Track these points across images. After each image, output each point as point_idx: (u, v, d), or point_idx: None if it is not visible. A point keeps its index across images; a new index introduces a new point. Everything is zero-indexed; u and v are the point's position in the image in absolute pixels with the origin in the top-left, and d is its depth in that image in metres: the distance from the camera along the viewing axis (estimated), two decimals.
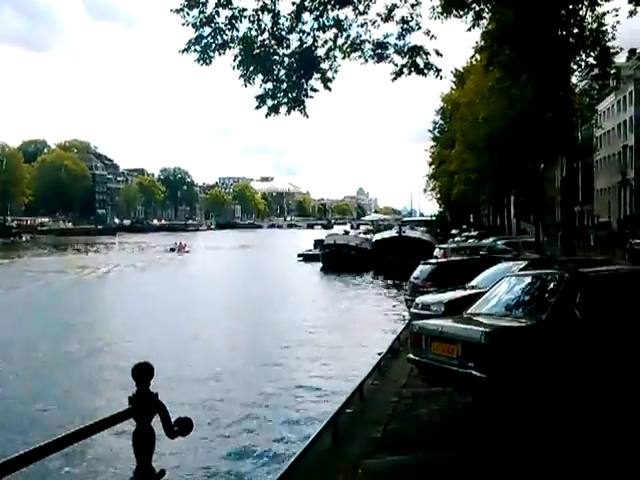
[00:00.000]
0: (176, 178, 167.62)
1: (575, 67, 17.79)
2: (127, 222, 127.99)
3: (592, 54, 17.09)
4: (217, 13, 8.95)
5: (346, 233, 58.71)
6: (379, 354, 11.18)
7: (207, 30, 9.03)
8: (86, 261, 48.91)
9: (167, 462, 7.04)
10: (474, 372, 5.93)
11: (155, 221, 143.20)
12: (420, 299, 12.87)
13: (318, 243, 48.20)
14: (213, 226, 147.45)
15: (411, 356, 7.24)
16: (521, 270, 10.32)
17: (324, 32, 9.86)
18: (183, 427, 2.69)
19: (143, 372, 2.53)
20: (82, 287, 32.57)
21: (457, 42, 32.77)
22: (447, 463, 5.14)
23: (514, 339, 6.22)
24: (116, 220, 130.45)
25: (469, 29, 14.38)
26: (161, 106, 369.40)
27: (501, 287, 7.74)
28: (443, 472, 4.84)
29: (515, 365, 5.93)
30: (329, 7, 9.50)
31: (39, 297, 27.24)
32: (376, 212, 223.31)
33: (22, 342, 16.71)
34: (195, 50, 9.13)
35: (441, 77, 10.16)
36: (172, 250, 59.47)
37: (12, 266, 43.88)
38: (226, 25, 9.04)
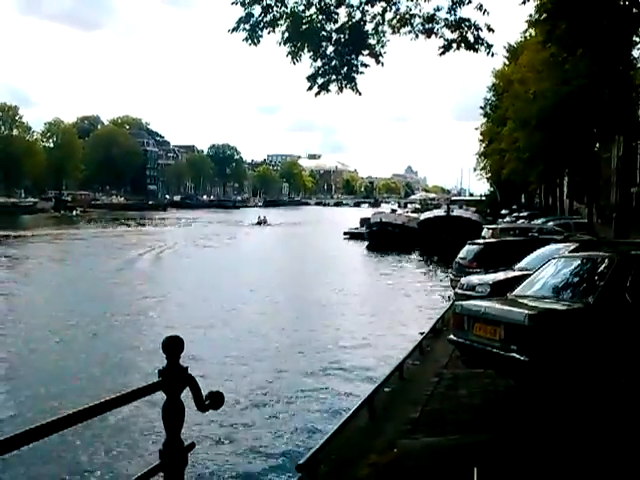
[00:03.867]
0: (225, 155, 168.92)
1: (638, 40, 16.91)
2: (177, 198, 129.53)
3: None
4: None
5: (393, 212, 58.20)
6: (421, 334, 11.07)
7: (257, 9, 8.93)
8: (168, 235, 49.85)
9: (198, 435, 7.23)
10: (516, 355, 5.79)
11: (204, 197, 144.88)
12: (465, 279, 12.67)
13: (364, 221, 47.97)
14: (260, 203, 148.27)
15: (452, 337, 7.12)
16: (571, 252, 9.98)
17: (372, 6, 9.62)
18: (214, 401, 2.69)
19: (173, 345, 2.51)
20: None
21: (510, 16, 31.75)
22: (483, 446, 5.05)
23: (559, 322, 6.03)
24: (167, 196, 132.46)
25: (523, 2, 13.81)
26: (211, 84, 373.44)
27: (548, 269, 7.49)
28: (479, 455, 4.74)
29: (559, 349, 5.75)
30: None
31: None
32: (425, 191, 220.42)
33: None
34: (244, 29, 9.06)
35: (492, 54, 9.76)
36: (258, 224, 65.63)
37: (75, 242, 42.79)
38: (275, 1, 8.92)
